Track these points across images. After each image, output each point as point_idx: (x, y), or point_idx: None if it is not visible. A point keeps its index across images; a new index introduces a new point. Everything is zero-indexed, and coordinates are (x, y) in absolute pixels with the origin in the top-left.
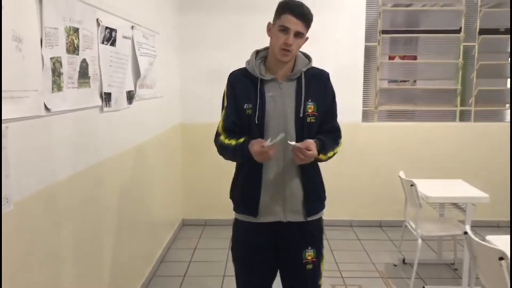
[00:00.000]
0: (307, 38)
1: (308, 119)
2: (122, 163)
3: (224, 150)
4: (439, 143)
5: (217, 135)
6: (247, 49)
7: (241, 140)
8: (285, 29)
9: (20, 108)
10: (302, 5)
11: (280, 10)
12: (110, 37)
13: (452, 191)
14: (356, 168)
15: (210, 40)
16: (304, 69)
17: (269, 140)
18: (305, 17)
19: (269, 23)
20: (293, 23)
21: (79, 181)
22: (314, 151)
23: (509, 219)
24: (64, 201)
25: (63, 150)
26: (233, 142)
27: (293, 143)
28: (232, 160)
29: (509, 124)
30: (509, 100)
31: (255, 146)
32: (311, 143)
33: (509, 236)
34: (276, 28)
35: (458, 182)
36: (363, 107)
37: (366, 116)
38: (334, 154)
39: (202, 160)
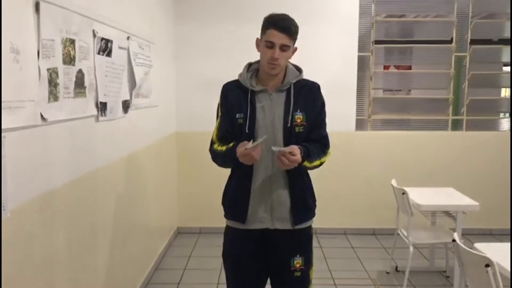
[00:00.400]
0: (295, 49)
1: (296, 129)
2: (117, 171)
3: (216, 157)
4: (431, 151)
5: (212, 143)
6: (242, 58)
7: (231, 144)
8: (271, 44)
9: (17, 118)
10: (285, 18)
11: (265, 25)
12: (106, 48)
13: (443, 199)
14: (350, 176)
15: (205, 50)
16: (294, 81)
17: (251, 141)
18: (289, 30)
19: (257, 39)
20: (278, 37)
21: (74, 189)
22: (298, 156)
23: (502, 227)
24: (59, 209)
25: (59, 159)
26: (224, 148)
27: (277, 148)
28: (224, 165)
29: (505, 132)
30: (500, 109)
31: (239, 148)
32: (295, 148)
33: (498, 244)
34: (262, 43)
35: (449, 190)
36: (357, 116)
37: (360, 125)
38: (321, 163)
39: (197, 168)
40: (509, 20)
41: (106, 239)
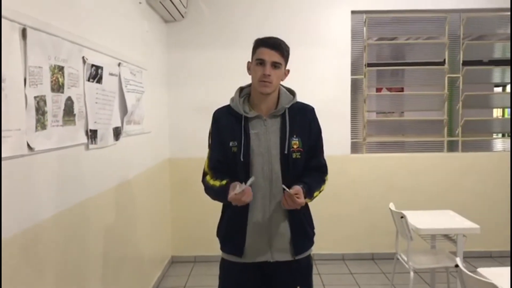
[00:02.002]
0: (288, 71)
1: (294, 155)
2: (108, 200)
3: (209, 191)
4: (428, 174)
5: (204, 175)
6: (235, 84)
7: (224, 182)
8: (261, 62)
9: (2, 148)
10: (275, 38)
11: (255, 46)
12: (96, 75)
13: (443, 222)
14: (347, 200)
15: (198, 76)
16: (288, 105)
17: (238, 186)
18: (279, 46)
19: (248, 62)
20: (268, 54)
21: (62, 221)
22: (302, 199)
23: (502, 249)
24: (47, 242)
25: (46, 189)
26: (217, 183)
27: (287, 189)
28: (216, 200)
29: (500, 153)
30: (494, 130)
31: (230, 192)
32: (299, 190)
33: (500, 268)
34: (253, 63)
35: (449, 213)
36: (352, 139)
37: (355, 148)
38: (319, 193)
39: (191, 195)
40: (499, 42)
41: (97, 272)
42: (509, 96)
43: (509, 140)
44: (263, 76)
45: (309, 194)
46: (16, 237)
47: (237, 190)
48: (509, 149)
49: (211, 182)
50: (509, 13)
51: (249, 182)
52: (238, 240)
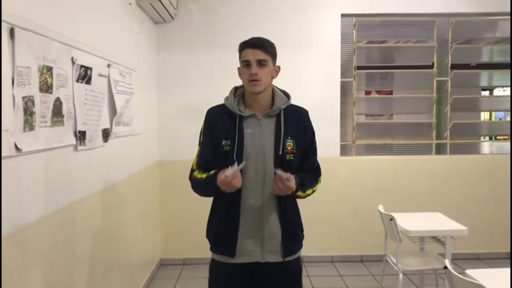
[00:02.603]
0: (279, 67)
1: (287, 157)
2: (96, 203)
3: (196, 185)
4: (417, 176)
5: (192, 171)
6: (226, 86)
7: (212, 172)
8: (247, 63)
9: None
10: (256, 37)
11: (240, 50)
12: (85, 75)
13: (431, 224)
14: (336, 203)
15: (188, 77)
16: (283, 106)
17: (229, 167)
18: (261, 43)
19: (238, 68)
20: (252, 54)
21: (50, 223)
22: (293, 184)
23: (489, 251)
24: (33, 245)
25: (33, 191)
26: (204, 175)
27: (279, 171)
28: (204, 194)
29: (487, 155)
30: (481, 133)
31: (220, 176)
32: (291, 177)
33: (488, 270)
34: (241, 66)
35: (437, 215)
36: (341, 141)
37: (344, 150)
38: (312, 192)
39: (181, 197)
40: (487, 45)
41: (84, 276)
42: (497, 99)
43: (496, 143)
44: (250, 75)
45: (302, 187)
46: (4, 239)
47: (228, 171)
48: (501, 152)
49: (199, 175)
50: (497, 17)
51: (240, 165)
52: (229, 241)
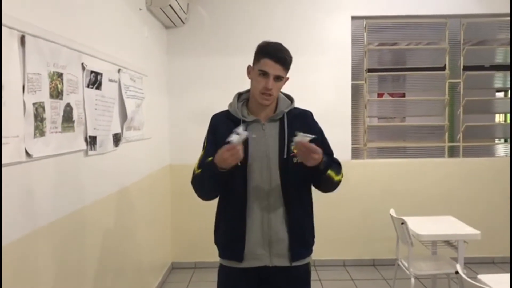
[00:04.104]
0: (287, 79)
1: (294, 160)
2: (107, 207)
3: (195, 181)
4: (429, 179)
5: (194, 173)
6: (235, 90)
7: (210, 158)
8: (264, 74)
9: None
10: (281, 49)
11: (259, 54)
12: (95, 81)
13: (443, 228)
14: (348, 206)
15: (198, 82)
16: (286, 110)
17: (233, 134)
18: (284, 61)
19: (249, 66)
20: (272, 68)
21: (61, 227)
22: (320, 154)
23: (504, 255)
24: (44, 250)
25: (44, 196)
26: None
27: (301, 135)
28: (202, 189)
29: (502, 158)
30: (495, 135)
31: (222, 149)
32: (317, 148)
33: (501, 275)
34: (255, 72)
35: (449, 218)
36: (352, 144)
37: (356, 153)
38: (339, 181)
39: (192, 201)
40: (500, 47)
41: (96, 280)
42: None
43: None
44: (265, 89)
45: (330, 165)
46: (12, 245)
47: (233, 137)
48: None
49: (197, 171)
50: (509, 18)
51: (247, 133)
52: (237, 246)
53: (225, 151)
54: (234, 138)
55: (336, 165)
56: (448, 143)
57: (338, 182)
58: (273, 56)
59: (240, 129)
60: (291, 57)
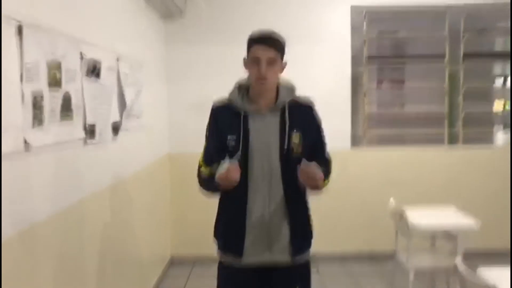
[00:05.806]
0: (285, 64)
1: (294, 151)
2: (107, 198)
3: (202, 182)
4: (429, 167)
5: (199, 167)
6: (234, 79)
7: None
8: (256, 60)
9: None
10: (269, 33)
11: (249, 43)
12: (94, 70)
13: (443, 219)
14: (347, 196)
15: (197, 71)
16: (288, 100)
17: (222, 163)
18: (273, 42)
19: (244, 58)
20: (262, 52)
21: (60, 220)
22: (321, 178)
23: (505, 246)
24: (43, 243)
25: (43, 187)
26: (207, 171)
27: (305, 162)
28: (209, 190)
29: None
30: (495, 122)
31: (217, 174)
32: (316, 165)
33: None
34: (249, 61)
35: (450, 209)
36: (352, 132)
37: (355, 141)
38: (326, 184)
39: (192, 191)
40: (500, 35)
41: (94, 273)
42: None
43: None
44: (259, 74)
45: (325, 176)
46: (14, 237)
47: (221, 169)
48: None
49: (204, 171)
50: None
51: (234, 157)
52: (237, 241)
53: (220, 181)
54: (220, 169)
55: (327, 172)
56: (448, 130)
57: (324, 186)
58: (261, 41)
59: (227, 162)
60: (281, 39)
